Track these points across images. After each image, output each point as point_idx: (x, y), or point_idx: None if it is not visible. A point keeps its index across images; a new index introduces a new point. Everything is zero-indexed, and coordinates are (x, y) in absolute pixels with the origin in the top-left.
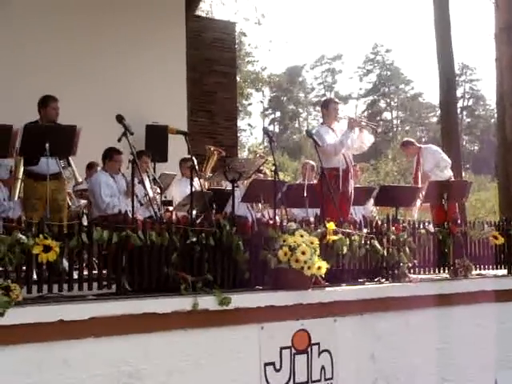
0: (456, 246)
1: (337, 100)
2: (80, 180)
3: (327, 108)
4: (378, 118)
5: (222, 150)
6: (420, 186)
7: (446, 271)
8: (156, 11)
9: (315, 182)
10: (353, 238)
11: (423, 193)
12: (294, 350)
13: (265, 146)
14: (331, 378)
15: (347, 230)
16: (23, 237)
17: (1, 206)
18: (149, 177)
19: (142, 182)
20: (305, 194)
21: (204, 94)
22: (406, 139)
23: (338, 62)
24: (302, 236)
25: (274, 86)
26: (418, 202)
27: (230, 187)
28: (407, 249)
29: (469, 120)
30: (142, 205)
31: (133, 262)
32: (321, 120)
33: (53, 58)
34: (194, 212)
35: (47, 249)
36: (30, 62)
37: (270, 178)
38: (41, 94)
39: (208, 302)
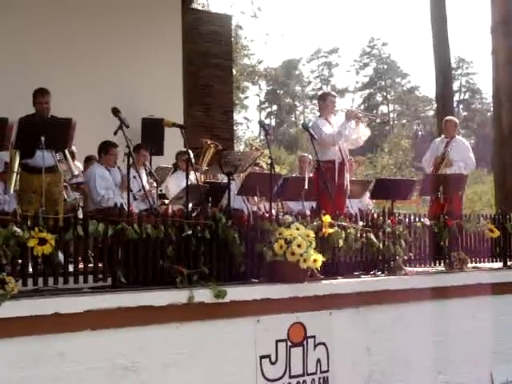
0: (452, 239)
1: (334, 93)
2: (76, 173)
3: (324, 101)
4: (375, 111)
5: (218, 144)
6: (436, 170)
7: (442, 264)
8: (152, 4)
9: (311, 175)
10: (348, 231)
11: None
12: (289, 343)
13: (261, 139)
14: (327, 371)
15: (343, 223)
16: (18, 230)
17: None
18: (146, 170)
19: (138, 175)
20: (305, 187)
21: (200, 87)
22: (456, 120)
23: (335, 56)
24: (297, 229)
25: (271, 79)
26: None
27: (225, 180)
28: (403, 242)
29: (465, 113)
30: (135, 199)
31: (128, 255)
32: (317, 113)
33: (49, 52)
34: (190, 205)
35: (43, 242)
36: (25, 56)
37: (266, 171)
38: (35, 86)
39: (204, 294)
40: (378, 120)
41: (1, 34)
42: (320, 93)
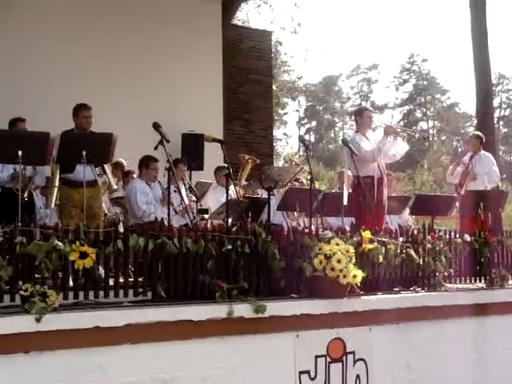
0: (492, 256)
1: (371, 108)
2: (115, 187)
3: (361, 116)
4: (414, 127)
5: (255, 159)
6: (462, 184)
7: (483, 281)
8: (193, 20)
9: (350, 190)
10: (388, 246)
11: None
12: (329, 359)
13: (300, 155)
14: None
15: (383, 239)
16: (60, 243)
17: (38, 213)
18: (185, 185)
19: (178, 190)
20: (345, 202)
21: (240, 103)
22: (482, 135)
23: (374, 72)
24: (337, 244)
25: (310, 95)
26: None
27: (265, 195)
28: (443, 258)
29: (505, 130)
30: (176, 213)
31: (168, 270)
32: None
33: (89, 67)
34: (230, 220)
35: (83, 255)
36: (67, 71)
37: (305, 187)
38: (77, 101)
39: (243, 309)
40: (418, 135)
41: (41, 50)
42: (357, 108)
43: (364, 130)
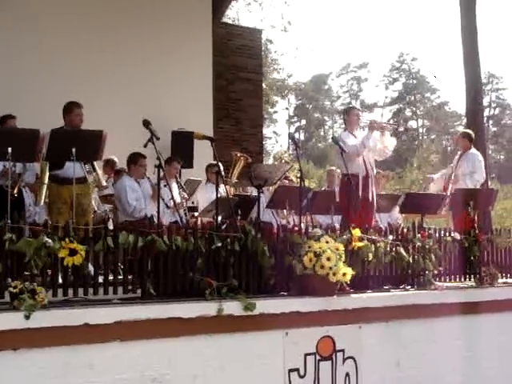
0: (482, 254)
1: (358, 107)
2: (104, 184)
3: (348, 114)
4: (404, 124)
5: (247, 156)
6: (450, 186)
7: (472, 279)
8: (183, 18)
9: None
10: (378, 244)
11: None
12: (318, 357)
13: (290, 153)
14: None
15: (373, 237)
16: (49, 240)
17: (27, 211)
18: (177, 183)
19: (167, 185)
20: (337, 200)
21: (230, 101)
22: (471, 132)
23: (364, 71)
24: (327, 242)
25: (300, 93)
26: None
27: (255, 193)
28: (433, 256)
29: (495, 129)
30: (168, 207)
31: (158, 267)
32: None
33: (79, 64)
34: (220, 217)
35: (73, 252)
36: (56, 69)
37: (295, 185)
38: (67, 99)
39: (233, 307)
40: (401, 128)
41: (30, 47)
42: (344, 107)
43: (352, 127)
